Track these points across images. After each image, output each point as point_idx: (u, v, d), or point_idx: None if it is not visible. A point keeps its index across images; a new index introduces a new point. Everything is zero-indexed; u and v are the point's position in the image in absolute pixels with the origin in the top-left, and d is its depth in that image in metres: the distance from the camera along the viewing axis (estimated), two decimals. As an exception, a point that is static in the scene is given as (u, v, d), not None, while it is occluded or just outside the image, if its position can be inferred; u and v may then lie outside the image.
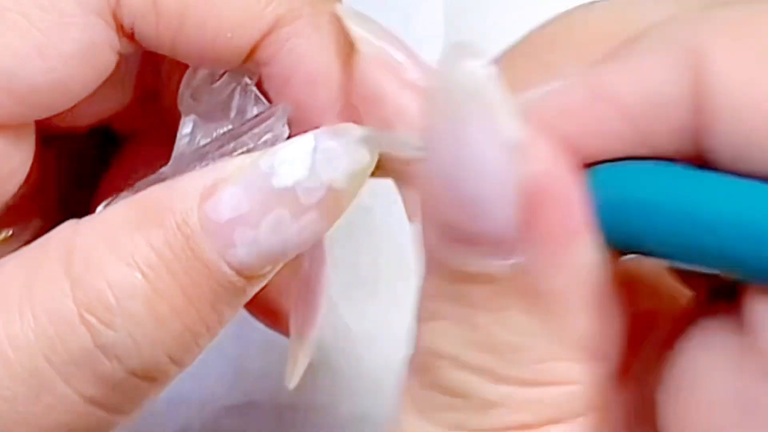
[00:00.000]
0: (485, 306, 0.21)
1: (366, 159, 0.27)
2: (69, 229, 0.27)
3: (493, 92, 0.20)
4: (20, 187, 0.29)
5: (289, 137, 0.28)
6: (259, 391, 0.41)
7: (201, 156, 0.28)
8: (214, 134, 0.29)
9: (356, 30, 0.28)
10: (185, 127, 0.29)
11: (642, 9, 0.22)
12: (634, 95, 0.20)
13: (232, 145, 0.28)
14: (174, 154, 0.29)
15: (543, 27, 0.23)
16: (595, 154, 0.21)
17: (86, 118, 0.31)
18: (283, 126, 0.28)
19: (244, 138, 0.28)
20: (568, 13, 0.23)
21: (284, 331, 0.32)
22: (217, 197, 0.26)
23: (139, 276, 0.26)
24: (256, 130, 0.28)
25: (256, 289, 0.27)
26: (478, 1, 0.44)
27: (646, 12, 0.22)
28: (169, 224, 0.26)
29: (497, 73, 0.20)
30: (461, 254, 0.21)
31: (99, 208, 0.28)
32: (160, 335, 0.26)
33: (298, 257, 0.28)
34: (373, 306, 0.41)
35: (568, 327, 0.21)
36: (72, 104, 0.28)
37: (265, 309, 0.33)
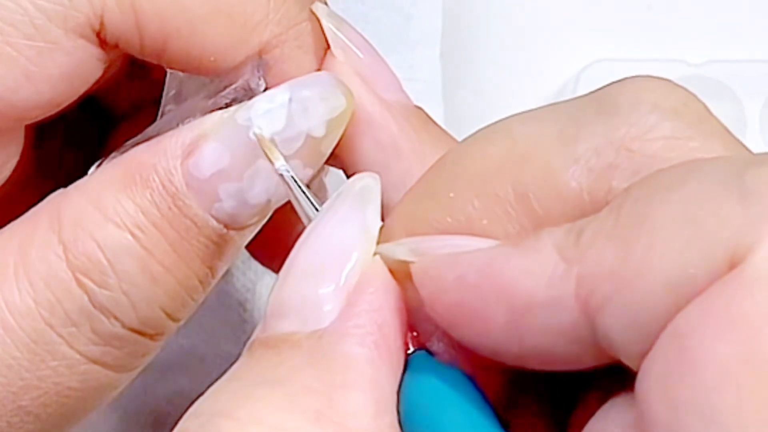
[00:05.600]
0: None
1: (342, 105, 0.28)
2: (57, 196, 0.28)
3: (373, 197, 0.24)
4: (19, 177, 0.29)
5: (265, 90, 0.28)
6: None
7: (184, 114, 0.29)
8: (196, 93, 0.29)
9: (332, 31, 0.29)
10: (170, 86, 0.30)
11: (527, 132, 0.23)
12: (525, 288, 0.21)
13: (210, 101, 0.28)
14: (159, 113, 0.30)
15: (440, 162, 0.24)
16: (467, 332, 0.22)
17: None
18: (259, 80, 0.28)
19: (222, 93, 0.28)
20: (464, 145, 0.24)
21: None
22: (199, 154, 0.27)
23: (129, 236, 0.27)
24: (233, 86, 0.28)
25: (247, 239, 0.28)
26: (478, 2, 0.44)
27: (531, 136, 0.23)
28: (154, 184, 0.27)
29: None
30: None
31: (91, 170, 0.29)
32: (154, 292, 0.27)
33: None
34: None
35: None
36: (63, 108, 0.28)
37: (279, 259, 0.33)
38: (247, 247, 0.34)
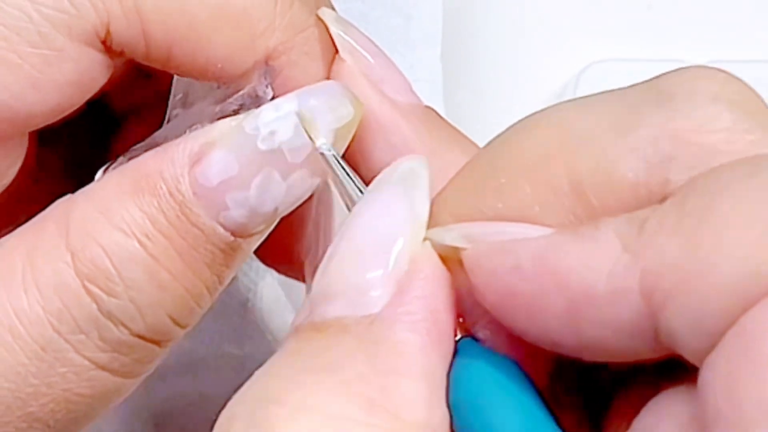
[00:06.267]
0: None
1: (350, 113, 0.28)
2: (65, 203, 0.28)
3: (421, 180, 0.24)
4: (22, 179, 0.29)
5: (273, 98, 0.28)
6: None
7: (192, 119, 0.29)
8: (204, 98, 0.29)
9: (340, 36, 0.29)
10: (177, 90, 0.30)
11: (582, 119, 0.23)
12: (585, 279, 0.20)
13: (218, 108, 0.28)
14: (166, 118, 0.30)
15: (489, 148, 0.24)
16: (521, 322, 0.22)
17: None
18: (267, 87, 0.28)
19: (230, 100, 0.28)
20: (515, 131, 0.24)
21: (300, 278, 0.33)
22: (206, 162, 0.27)
23: (137, 244, 0.27)
24: (241, 92, 0.28)
25: (254, 246, 0.28)
26: (478, 2, 0.44)
27: (586, 123, 0.22)
28: (161, 192, 0.27)
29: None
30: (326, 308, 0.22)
31: (98, 174, 0.29)
32: (162, 299, 0.27)
33: (306, 206, 0.28)
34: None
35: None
36: (65, 114, 0.28)
37: (281, 258, 0.34)
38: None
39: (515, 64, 0.44)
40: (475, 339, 0.23)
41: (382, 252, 0.22)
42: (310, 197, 0.30)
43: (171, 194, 0.27)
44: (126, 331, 0.27)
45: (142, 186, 0.27)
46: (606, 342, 0.20)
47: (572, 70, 0.43)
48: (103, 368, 0.27)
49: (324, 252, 0.32)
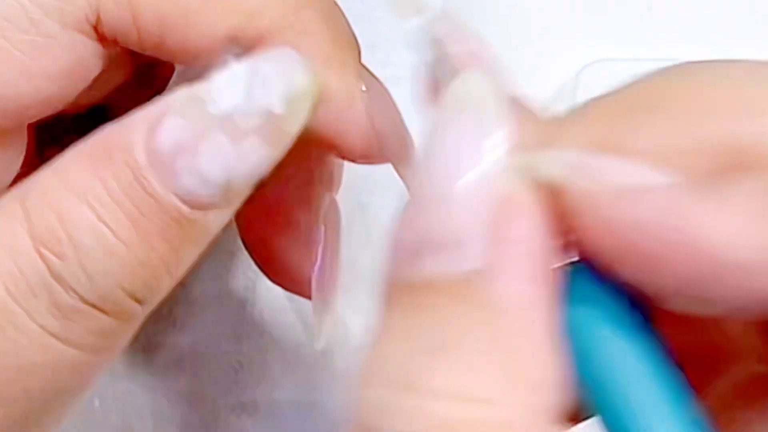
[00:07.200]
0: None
1: (304, 82, 0.27)
2: (32, 174, 0.27)
3: (487, 100, 0.21)
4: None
5: None
6: (257, 389, 0.41)
7: None
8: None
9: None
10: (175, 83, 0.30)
11: (754, 79, 0.21)
12: (722, 245, 0.19)
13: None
14: None
15: (639, 83, 0.22)
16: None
17: (83, 101, 0.32)
18: (238, 59, 0.28)
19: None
20: (665, 73, 0.22)
21: (307, 295, 0.33)
22: (159, 129, 0.26)
23: (88, 210, 0.26)
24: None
25: (215, 225, 0.27)
26: (478, 2, 0.44)
27: (747, 87, 0.21)
28: (117, 159, 0.26)
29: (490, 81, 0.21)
30: (421, 263, 0.21)
31: None
32: (111, 267, 0.27)
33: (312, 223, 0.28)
34: (371, 304, 0.41)
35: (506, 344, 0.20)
36: (63, 107, 0.28)
37: (287, 276, 0.33)
38: (250, 252, 0.34)
39: (515, 64, 0.44)
40: (582, 265, 0.21)
41: (467, 194, 0.20)
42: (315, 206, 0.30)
43: (126, 162, 0.26)
44: (76, 296, 0.27)
45: (99, 153, 0.26)
46: (735, 306, 0.19)
47: (572, 70, 0.43)
48: (54, 335, 0.27)
49: (330, 269, 0.32)
